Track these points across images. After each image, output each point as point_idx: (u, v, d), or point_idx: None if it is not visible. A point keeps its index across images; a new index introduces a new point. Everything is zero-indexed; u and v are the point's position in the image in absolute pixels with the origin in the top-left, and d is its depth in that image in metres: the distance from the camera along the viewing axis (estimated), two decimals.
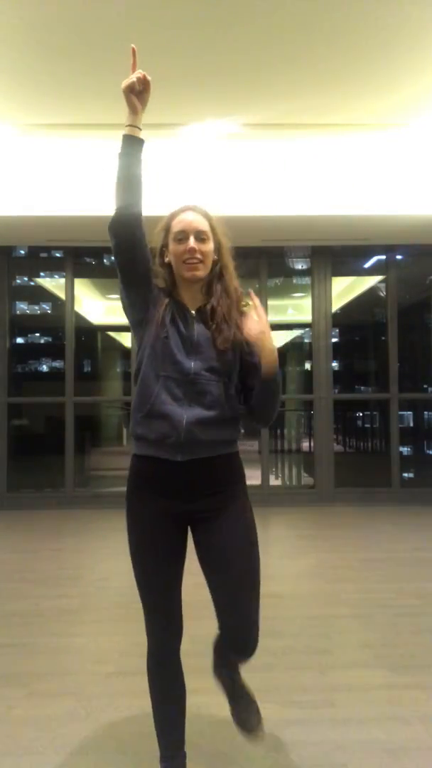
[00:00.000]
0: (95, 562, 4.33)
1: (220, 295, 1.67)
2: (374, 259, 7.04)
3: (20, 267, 7.40)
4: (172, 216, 1.72)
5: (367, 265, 7.20)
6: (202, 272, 1.65)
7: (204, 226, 1.67)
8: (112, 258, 1.65)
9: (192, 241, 1.63)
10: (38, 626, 3.05)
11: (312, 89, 4.59)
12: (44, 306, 8.16)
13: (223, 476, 1.64)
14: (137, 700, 2.25)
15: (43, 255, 7.27)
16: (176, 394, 1.58)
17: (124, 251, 1.60)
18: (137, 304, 1.66)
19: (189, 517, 1.63)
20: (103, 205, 5.69)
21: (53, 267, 7.61)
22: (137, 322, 1.69)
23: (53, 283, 7.51)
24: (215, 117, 5.05)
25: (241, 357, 1.66)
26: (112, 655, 2.66)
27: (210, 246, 1.67)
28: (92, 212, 5.31)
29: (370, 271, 7.29)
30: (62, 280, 6.75)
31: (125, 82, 1.67)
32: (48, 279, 7.72)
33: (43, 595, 3.52)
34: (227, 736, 2.02)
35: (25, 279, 7.76)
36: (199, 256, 1.63)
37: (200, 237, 1.65)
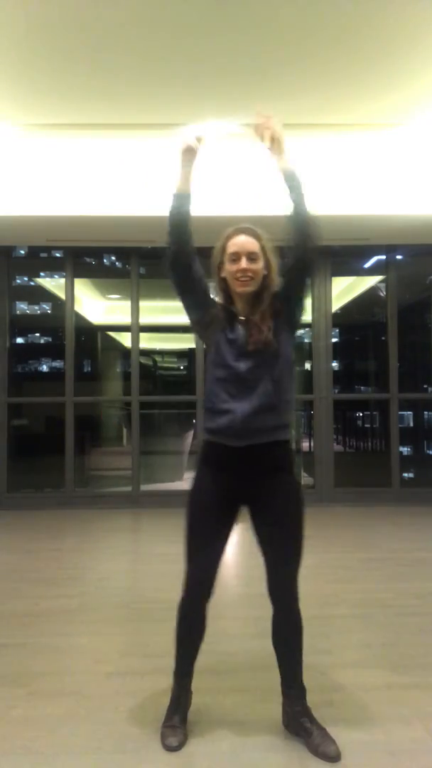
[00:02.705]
0: (95, 562, 4.33)
1: (261, 306, 1.96)
2: (374, 259, 7.03)
3: (20, 267, 7.41)
4: (228, 237, 2.02)
5: (367, 265, 7.20)
6: (252, 287, 1.96)
7: (255, 247, 1.97)
8: (166, 267, 2.09)
9: (244, 262, 1.95)
10: (38, 626, 3.05)
11: (312, 89, 4.59)
12: (44, 306, 8.16)
13: (275, 462, 1.95)
14: (137, 700, 2.26)
15: (43, 255, 7.27)
16: (231, 392, 1.92)
17: (182, 282, 2.03)
18: (194, 308, 2.04)
19: (244, 495, 1.96)
20: (104, 205, 5.73)
21: (53, 267, 7.61)
22: (198, 327, 2.05)
23: (53, 283, 7.51)
24: (215, 117, 5.04)
25: (288, 310, 1.99)
26: (112, 655, 2.66)
27: (260, 264, 1.97)
28: (92, 212, 5.33)
29: (370, 271, 7.29)
30: (62, 280, 6.75)
31: (186, 144, 2.15)
32: (48, 279, 7.72)
33: (43, 595, 3.52)
34: (227, 735, 2.02)
35: (25, 279, 7.77)
36: (249, 274, 1.95)
37: (251, 258, 1.96)
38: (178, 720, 2.02)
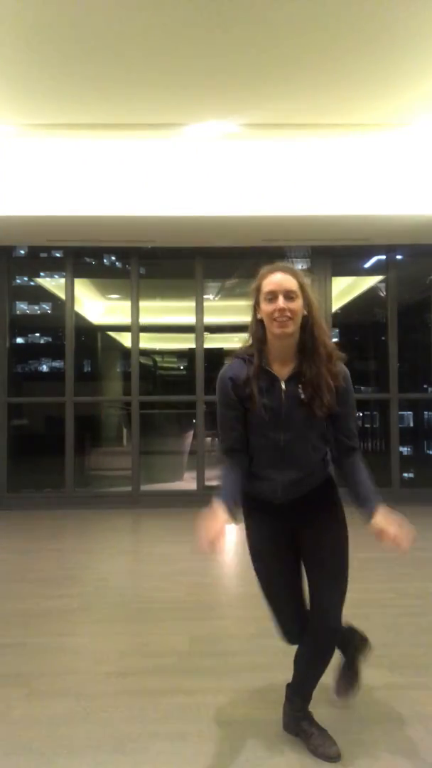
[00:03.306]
0: (95, 562, 4.33)
1: (311, 356, 1.82)
2: (374, 259, 7.03)
3: (20, 267, 7.40)
4: (263, 276, 1.85)
5: (367, 265, 7.20)
6: (291, 328, 1.79)
7: (293, 285, 1.81)
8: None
9: (281, 301, 1.78)
10: (38, 626, 3.05)
11: (312, 90, 4.59)
12: (44, 306, 8.15)
13: (318, 500, 1.95)
14: (137, 700, 2.26)
15: (43, 255, 7.27)
16: (272, 460, 1.86)
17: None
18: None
19: (292, 528, 1.94)
20: (104, 205, 5.73)
21: (53, 267, 7.60)
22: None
23: (53, 283, 7.51)
24: (215, 117, 5.05)
25: (329, 413, 1.84)
26: (112, 655, 2.66)
27: (298, 304, 1.81)
28: (92, 212, 5.33)
29: (370, 271, 7.29)
30: (62, 280, 6.75)
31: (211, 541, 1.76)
32: (48, 279, 7.71)
33: (43, 595, 3.52)
34: (227, 735, 2.02)
35: (25, 279, 7.76)
36: (288, 314, 1.78)
37: (289, 296, 1.79)
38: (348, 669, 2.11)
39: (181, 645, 2.69)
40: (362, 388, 8.69)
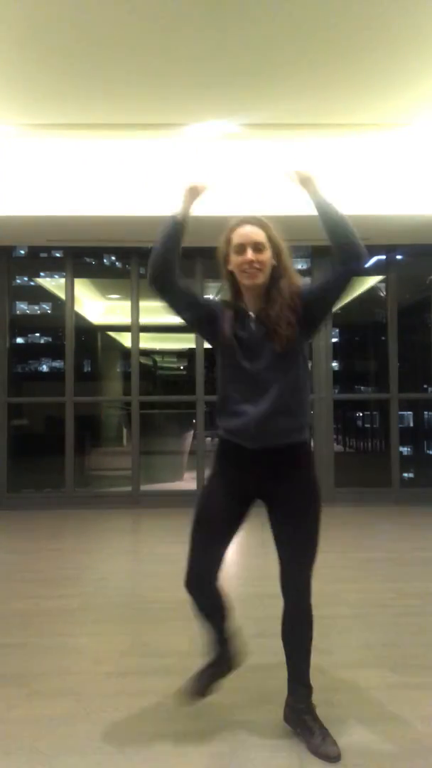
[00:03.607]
0: (95, 562, 4.33)
1: (276, 298, 1.87)
2: (374, 259, 7.03)
3: (20, 267, 7.40)
4: (231, 229, 1.93)
5: (367, 265, 7.19)
6: (260, 279, 1.88)
7: (260, 237, 1.89)
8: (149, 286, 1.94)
9: (250, 253, 1.85)
10: (38, 626, 3.04)
11: (312, 90, 4.59)
12: (44, 306, 8.15)
13: (291, 462, 1.89)
14: (137, 700, 2.26)
15: (43, 255, 7.27)
16: (244, 393, 1.87)
17: (169, 300, 1.94)
18: (200, 329, 2.01)
19: (258, 492, 1.92)
20: (104, 205, 5.72)
21: (53, 267, 7.60)
22: (199, 327, 2.00)
23: (53, 283, 7.50)
24: (215, 117, 5.05)
25: (309, 319, 1.89)
26: (112, 655, 2.66)
27: (267, 255, 1.88)
28: (92, 212, 5.33)
29: (370, 271, 7.29)
30: (62, 280, 6.75)
31: (192, 183, 2.03)
32: (48, 279, 7.71)
33: (43, 595, 3.52)
34: (227, 736, 2.02)
35: (25, 279, 7.76)
36: (257, 265, 1.86)
37: (257, 248, 1.87)
38: (205, 677, 2.01)
39: (181, 645, 2.68)
40: (362, 388, 8.70)
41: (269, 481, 1.89)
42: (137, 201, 5.25)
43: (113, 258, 7.50)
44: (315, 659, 2.61)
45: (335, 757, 1.86)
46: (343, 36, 3.94)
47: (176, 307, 1.95)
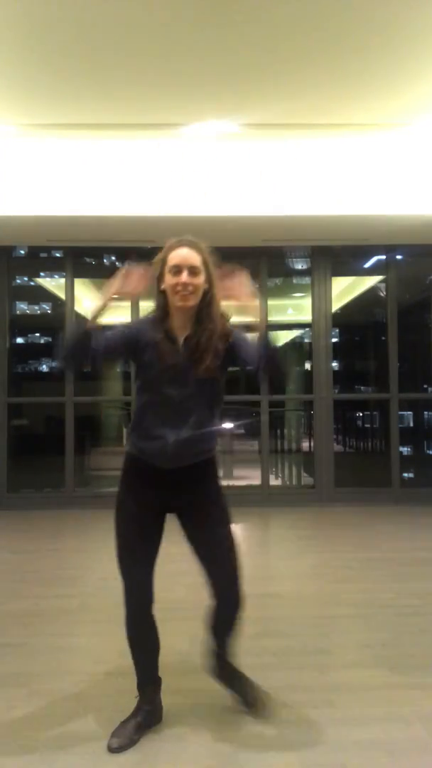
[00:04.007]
0: (95, 562, 4.32)
1: (205, 325, 1.91)
2: (374, 259, 7.03)
3: (20, 267, 7.40)
4: (169, 249, 1.94)
5: (367, 265, 7.19)
6: (192, 302, 1.91)
7: (196, 261, 1.90)
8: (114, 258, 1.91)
9: (185, 275, 1.88)
10: (38, 626, 3.05)
11: (312, 89, 4.59)
12: (44, 306, 8.16)
13: (202, 476, 1.98)
14: (137, 700, 2.25)
15: (43, 255, 7.27)
16: (164, 417, 1.91)
17: (91, 368, 2.03)
18: (131, 361, 2.01)
19: (171, 506, 1.97)
20: (104, 205, 5.72)
21: (53, 267, 7.60)
22: (135, 362, 1.99)
23: (53, 283, 7.50)
24: (215, 117, 5.05)
25: (229, 359, 1.94)
26: (112, 655, 2.65)
27: (201, 279, 1.91)
28: (92, 212, 5.32)
29: (370, 271, 7.29)
30: (62, 280, 6.75)
31: (116, 289, 1.92)
32: (48, 279, 7.71)
33: (43, 595, 3.52)
34: (227, 736, 2.02)
35: (25, 279, 7.76)
36: (190, 288, 1.88)
37: (193, 271, 1.89)
38: (132, 725, 2.00)
39: (181, 645, 2.69)
40: (362, 388, 8.70)
41: (179, 495, 1.95)
42: (137, 201, 5.25)
43: (113, 258, 7.50)
44: (315, 659, 2.62)
45: (264, 705, 2.08)
46: (343, 36, 3.94)
47: (99, 367, 2.08)
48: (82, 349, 1.91)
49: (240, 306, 1.91)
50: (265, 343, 1.88)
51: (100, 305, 1.90)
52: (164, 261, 1.93)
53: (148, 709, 2.05)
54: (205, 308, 1.93)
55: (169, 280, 1.90)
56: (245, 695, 2.12)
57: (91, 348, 1.90)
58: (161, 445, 1.90)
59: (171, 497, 1.96)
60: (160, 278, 1.94)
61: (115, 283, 1.89)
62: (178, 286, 1.88)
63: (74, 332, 1.93)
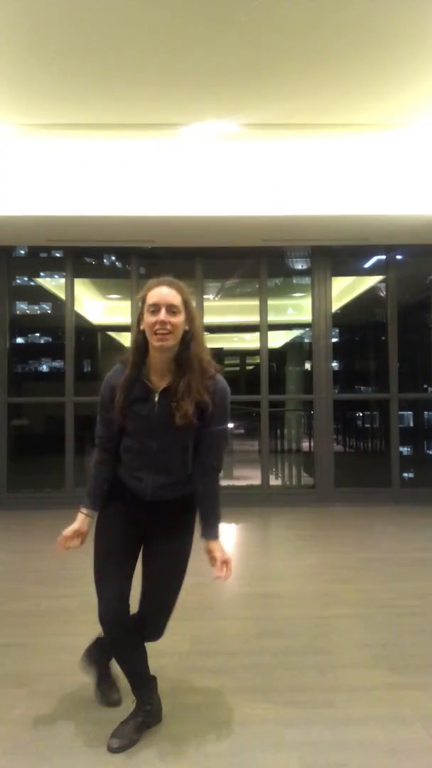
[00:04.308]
0: None
1: (186, 369, 1.88)
2: (374, 259, 7.03)
3: (20, 267, 7.40)
4: (149, 288, 1.90)
5: (367, 265, 7.20)
6: (171, 342, 1.85)
7: (176, 300, 1.86)
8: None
9: (163, 314, 1.83)
10: (38, 626, 3.05)
11: (312, 89, 4.59)
12: (44, 306, 8.15)
13: (176, 511, 2.02)
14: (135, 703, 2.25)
15: (43, 255, 7.26)
16: (145, 464, 1.95)
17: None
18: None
19: (145, 526, 2.03)
20: (103, 205, 5.72)
21: (53, 267, 7.60)
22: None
23: (53, 283, 7.50)
24: (215, 117, 5.05)
25: (194, 425, 1.90)
26: None
27: (180, 318, 1.86)
28: (92, 212, 5.32)
29: (370, 271, 7.29)
30: (62, 280, 6.75)
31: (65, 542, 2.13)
32: (48, 279, 7.71)
33: (44, 595, 3.52)
34: (227, 735, 2.02)
35: (25, 279, 7.76)
36: (168, 327, 1.83)
37: (171, 310, 1.85)
38: (132, 725, 2.02)
39: (181, 645, 2.69)
40: (362, 388, 8.70)
41: (154, 519, 2.01)
42: (137, 201, 5.25)
43: (113, 258, 7.50)
44: (315, 659, 2.62)
45: (117, 704, 2.18)
46: (343, 36, 3.94)
47: (117, 438, 2.03)
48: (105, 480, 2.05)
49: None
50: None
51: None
52: (143, 300, 1.89)
53: (148, 709, 2.05)
54: (185, 352, 1.88)
55: (147, 319, 1.85)
56: (103, 692, 2.22)
57: (108, 471, 2.05)
58: (142, 486, 1.96)
59: (147, 518, 2.01)
60: (139, 318, 1.90)
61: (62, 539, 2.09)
62: (157, 325, 1.83)
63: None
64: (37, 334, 8.54)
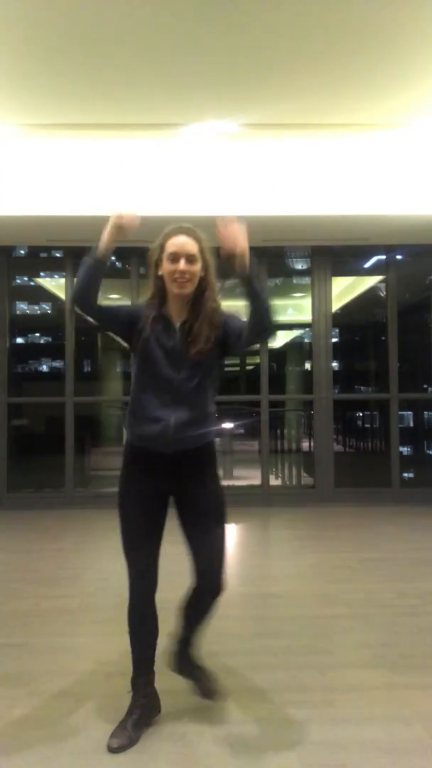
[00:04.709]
0: (95, 562, 4.32)
1: (200, 310, 1.97)
2: (374, 259, 7.03)
3: (20, 267, 7.40)
4: (167, 236, 1.98)
5: (367, 265, 7.20)
6: (189, 289, 1.96)
7: (194, 249, 1.94)
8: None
9: (182, 263, 1.92)
10: (38, 626, 3.05)
11: (312, 89, 4.59)
12: (44, 306, 8.16)
13: (201, 461, 2.02)
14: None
15: (43, 255, 7.27)
16: (164, 399, 1.95)
17: (92, 317, 2.02)
18: (123, 336, 2.05)
19: (172, 491, 2.02)
20: (103, 204, 5.72)
21: (53, 267, 7.60)
22: (127, 340, 2.04)
23: (53, 283, 7.51)
24: (215, 117, 5.05)
25: (223, 341, 1.97)
26: (112, 655, 2.65)
27: (198, 267, 1.96)
28: (92, 212, 5.31)
29: (370, 271, 7.29)
30: (62, 280, 6.75)
31: (121, 222, 1.97)
32: (48, 279, 7.71)
33: (43, 595, 3.52)
34: (227, 735, 2.02)
35: (25, 279, 7.76)
36: (187, 275, 1.93)
37: (190, 259, 1.93)
38: (131, 723, 2.01)
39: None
40: (362, 388, 8.71)
41: (179, 480, 2.00)
42: (137, 201, 5.25)
43: (113, 258, 7.49)
44: (315, 659, 2.62)
45: (217, 692, 2.11)
46: (343, 36, 3.94)
47: (100, 322, 2.06)
48: (94, 283, 1.95)
49: (233, 256, 1.85)
50: (256, 288, 1.87)
51: (105, 241, 1.98)
52: (162, 247, 1.96)
53: (144, 702, 2.05)
54: (201, 295, 1.98)
55: (166, 266, 1.94)
56: (203, 686, 2.15)
57: (100, 285, 1.96)
58: (162, 427, 1.93)
59: (170, 484, 2.00)
60: (157, 264, 1.98)
61: (111, 223, 1.97)
62: (176, 274, 1.92)
63: (85, 265, 1.98)
64: (37, 334, 8.55)
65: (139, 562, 2.03)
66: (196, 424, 1.96)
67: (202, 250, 1.97)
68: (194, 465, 2.00)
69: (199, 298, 1.98)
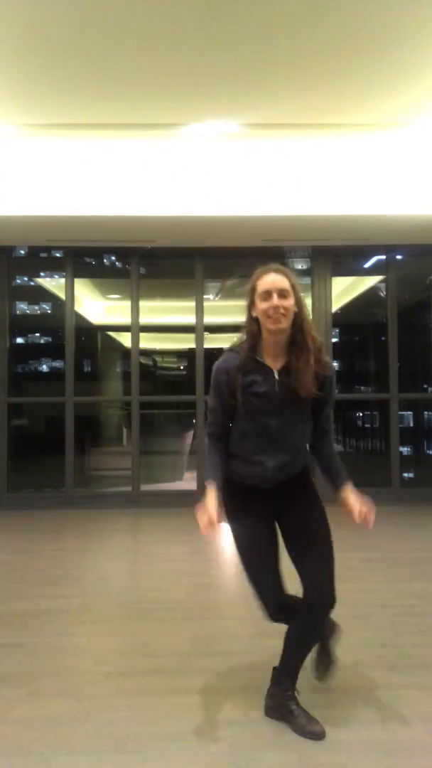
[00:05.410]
0: (95, 562, 4.33)
1: (302, 345, 1.99)
2: (374, 259, 7.03)
3: (20, 267, 7.40)
4: (258, 276, 2.02)
5: (367, 265, 7.20)
6: (284, 324, 1.96)
7: (285, 284, 1.98)
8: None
9: (276, 299, 1.94)
10: (38, 626, 3.05)
11: (312, 89, 4.59)
12: (44, 306, 8.15)
13: (296, 486, 2.09)
14: (137, 700, 2.26)
15: (43, 255, 7.26)
16: (263, 446, 2.01)
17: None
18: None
19: (274, 509, 2.09)
20: (104, 205, 5.72)
21: (53, 267, 7.60)
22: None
23: (53, 283, 7.50)
24: (215, 117, 5.04)
25: (314, 399, 2.01)
26: (112, 655, 2.66)
27: (291, 301, 1.97)
28: (92, 212, 5.33)
29: (370, 271, 7.29)
30: (62, 280, 6.75)
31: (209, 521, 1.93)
32: (48, 279, 7.71)
33: (43, 595, 3.52)
34: (227, 735, 2.02)
35: (25, 279, 7.76)
36: (282, 310, 1.95)
37: (282, 294, 1.96)
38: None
39: (181, 645, 2.69)
40: (362, 388, 8.70)
41: (282, 502, 2.07)
42: (137, 201, 5.25)
43: (113, 258, 7.50)
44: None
45: (321, 734, 1.99)
46: (343, 36, 3.94)
47: (232, 421, 2.09)
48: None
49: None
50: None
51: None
52: (254, 289, 2.00)
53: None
54: (298, 333, 2.00)
55: (260, 305, 1.97)
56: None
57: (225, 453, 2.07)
58: (261, 471, 2.01)
59: (273, 503, 2.07)
60: (251, 306, 2.02)
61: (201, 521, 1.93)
62: (270, 310, 1.94)
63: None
64: (37, 334, 8.54)
65: (261, 579, 2.07)
66: (291, 463, 2.03)
67: (293, 286, 1.99)
68: (292, 489, 2.08)
69: (297, 338, 2.00)
